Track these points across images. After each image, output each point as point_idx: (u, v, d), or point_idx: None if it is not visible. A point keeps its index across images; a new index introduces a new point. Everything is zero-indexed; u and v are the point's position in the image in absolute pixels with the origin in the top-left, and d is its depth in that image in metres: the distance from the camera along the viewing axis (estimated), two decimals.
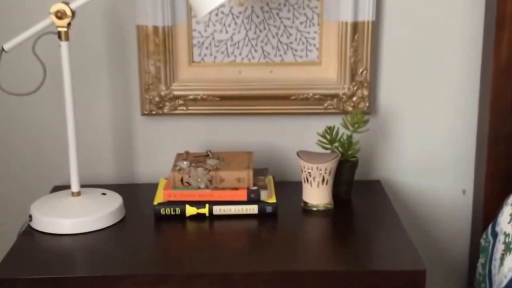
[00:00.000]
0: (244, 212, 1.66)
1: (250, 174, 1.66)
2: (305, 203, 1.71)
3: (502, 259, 1.59)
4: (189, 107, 1.83)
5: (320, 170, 1.66)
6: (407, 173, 1.91)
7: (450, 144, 1.89)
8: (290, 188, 1.79)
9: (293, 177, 1.81)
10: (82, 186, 1.68)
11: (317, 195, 1.69)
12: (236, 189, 1.66)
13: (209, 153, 1.73)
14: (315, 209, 1.69)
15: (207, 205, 1.65)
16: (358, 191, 1.79)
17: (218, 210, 1.66)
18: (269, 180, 1.76)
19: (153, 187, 1.75)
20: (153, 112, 1.84)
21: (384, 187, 1.86)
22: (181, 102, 1.83)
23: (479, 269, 1.72)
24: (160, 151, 1.88)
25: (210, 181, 1.65)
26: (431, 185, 1.92)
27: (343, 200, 1.75)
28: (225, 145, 1.85)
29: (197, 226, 1.65)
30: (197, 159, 1.72)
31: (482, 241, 1.72)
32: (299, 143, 1.81)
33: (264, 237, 1.62)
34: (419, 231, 1.92)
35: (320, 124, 1.77)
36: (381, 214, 1.72)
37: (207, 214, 1.66)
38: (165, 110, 1.84)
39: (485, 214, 1.79)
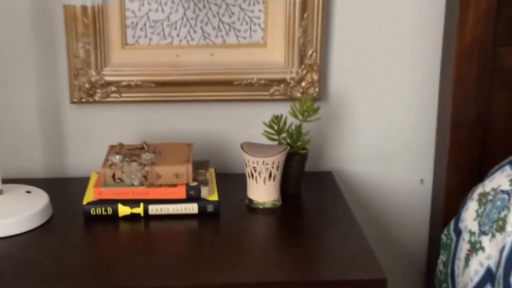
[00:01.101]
0: (183, 211, 1.51)
1: (189, 169, 1.50)
2: (250, 200, 1.56)
3: (467, 259, 1.46)
4: (123, 94, 1.68)
5: (267, 164, 1.51)
6: (361, 163, 1.78)
7: (407, 131, 1.76)
8: (234, 182, 1.65)
9: (238, 169, 1.66)
10: (7, 181, 1.53)
11: (263, 191, 1.54)
12: (174, 185, 1.51)
13: (144, 145, 1.57)
14: (261, 207, 1.55)
15: (141, 204, 1.50)
16: (308, 184, 1.65)
17: (154, 209, 1.51)
18: (211, 174, 1.61)
19: (85, 182, 1.60)
20: (83, 100, 1.68)
21: (336, 178, 1.72)
22: (113, 89, 1.67)
23: (440, 266, 1.60)
24: (92, 142, 1.73)
25: (145, 177, 1.50)
26: (387, 175, 1.79)
27: (292, 195, 1.61)
28: (163, 135, 1.70)
29: (131, 227, 1.50)
30: (131, 152, 1.56)
31: (443, 237, 1.59)
32: (243, 133, 1.66)
33: (205, 241, 1.47)
34: (374, 225, 1.80)
35: (266, 112, 1.62)
36: (333, 210, 1.58)
37: (142, 214, 1.50)
38: (96, 98, 1.68)
39: (446, 206, 1.67)
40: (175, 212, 1.51)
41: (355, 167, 1.78)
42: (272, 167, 1.51)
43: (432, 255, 1.72)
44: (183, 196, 1.51)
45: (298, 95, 1.68)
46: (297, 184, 1.62)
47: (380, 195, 1.80)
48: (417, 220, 1.81)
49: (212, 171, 1.64)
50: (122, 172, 1.50)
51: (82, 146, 1.74)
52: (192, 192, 1.51)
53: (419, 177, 1.79)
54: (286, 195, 1.59)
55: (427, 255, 1.81)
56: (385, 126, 1.76)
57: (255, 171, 1.52)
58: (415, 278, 1.86)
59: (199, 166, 1.59)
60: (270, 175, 1.52)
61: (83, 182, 1.62)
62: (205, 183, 1.52)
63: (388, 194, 1.80)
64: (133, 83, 1.67)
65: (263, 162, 1.51)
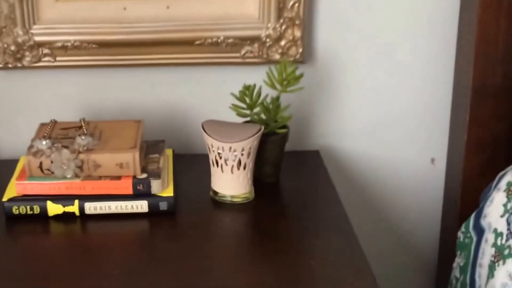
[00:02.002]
0: (130, 210, 1.20)
1: (136, 157, 1.18)
2: (215, 192, 1.24)
3: (492, 267, 1.16)
4: (58, 58, 1.36)
5: (235, 151, 1.18)
6: (355, 140, 1.46)
7: (414, 101, 1.43)
8: (197, 167, 1.34)
9: (202, 149, 1.32)
10: None
11: (231, 183, 1.22)
12: (118, 178, 1.19)
13: (83, 123, 1.25)
14: (228, 201, 1.22)
15: (76, 202, 1.19)
16: (289, 168, 1.33)
17: (92, 208, 1.19)
18: (167, 158, 1.29)
19: (14, 165, 1.29)
20: (10, 66, 1.36)
21: (325, 160, 1.40)
22: (46, 51, 1.36)
23: (456, 272, 1.29)
24: (21, 116, 1.42)
25: (81, 167, 1.18)
26: (388, 154, 1.47)
27: (269, 186, 1.29)
28: (107, 109, 1.38)
29: (63, 231, 1.20)
30: (65, 133, 1.23)
31: (460, 235, 1.28)
32: (206, 107, 1.36)
33: (156, 248, 1.16)
34: (373, 217, 1.48)
35: (236, 80, 1.30)
36: (321, 204, 1.27)
37: (77, 214, 1.19)
38: (25, 63, 1.36)
39: (463, 195, 1.37)
40: (119, 211, 1.20)
41: (348, 144, 1.46)
42: (242, 154, 1.19)
43: (445, 256, 1.42)
44: (129, 191, 1.19)
45: (277, 57, 1.35)
46: (275, 171, 1.30)
47: (380, 179, 1.48)
48: (427, 211, 1.50)
49: (169, 153, 1.32)
50: (52, 161, 1.18)
51: (9, 121, 1.42)
52: (140, 187, 1.19)
53: (429, 156, 1.47)
54: (261, 185, 1.27)
55: (438, 256, 1.49)
56: (386, 95, 1.43)
57: (220, 158, 1.20)
58: (423, 284, 1.54)
59: (152, 148, 1.28)
60: (239, 164, 1.20)
61: (12, 165, 1.30)
62: (157, 174, 1.20)
63: (390, 177, 1.48)
64: (69, 44, 1.34)
65: (230, 148, 1.18)
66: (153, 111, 1.38)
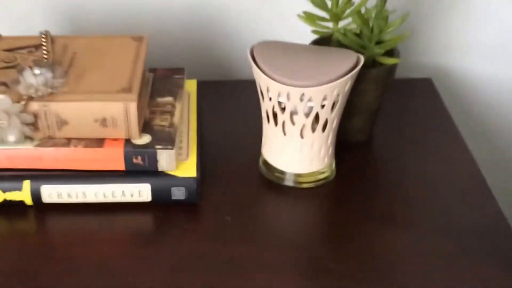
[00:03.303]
0: (118, 199, 0.68)
1: (131, 107, 0.65)
2: (268, 166, 0.71)
3: None
4: None
5: (310, 100, 0.64)
6: (483, 61, 0.90)
7: None
8: (236, 108, 0.80)
9: (245, 74, 0.79)
10: None
11: (299, 154, 0.69)
12: (99, 144, 0.67)
13: (43, 39, 0.72)
14: (290, 183, 0.69)
15: (27, 184, 0.67)
16: (386, 112, 0.79)
17: (54, 194, 0.68)
18: (186, 103, 0.76)
19: None
20: None
21: (442, 95, 0.86)
22: None
23: None
24: None
25: (34, 124, 0.65)
26: None
27: (356, 147, 0.75)
28: (90, 16, 0.83)
29: (6, 229, 0.67)
30: (10, 58, 0.71)
31: None
32: (257, 14, 0.79)
33: (165, 277, 0.63)
34: None
35: None
36: (450, 174, 0.73)
37: (28, 203, 0.67)
38: None
39: None
40: (100, 200, 0.68)
41: (473, 69, 0.91)
42: (322, 106, 0.65)
43: None
44: (119, 166, 0.68)
45: None
46: (369, 124, 0.76)
47: None
48: None
49: (191, 89, 0.79)
50: None
51: None
52: (138, 160, 0.67)
53: None
54: (343, 148, 0.73)
55: None
56: None
57: (283, 111, 0.66)
58: None
59: (163, 85, 0.75)
60: (316, 121, 0.66)
61: None
62: (169, 137, 0.67)
63: None
64: None
65: (303, 95, 0.64)
66: (165, 21, 0.84)
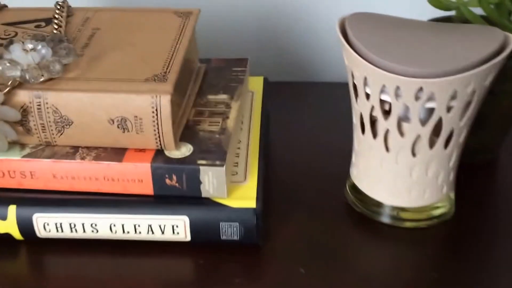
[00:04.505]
0: (143, 237, 0.47)
1: (165, 103, 0.44)
2: (360, 195, 0.50)
3: None
4: None
5: (431, 99, 0.42)
6: None
7: None
8: (317, 110, 0.59)
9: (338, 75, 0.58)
10: None
11: (406, 180, 0.46)
12: (117, 156, 0.45)
13: (57, 10, 0.52)
14: (390, 221, 0.47)
15: (11, 209, 0.47)
16: None
17: (51, 225, 0.47)
18: (249, 104, 0.54)
19: None
20: None
21: None
22: None
23: None
24: None
25: (23, 125, 0.46)
26: None
27: (482, 169, 0.53)
28: None
29: None
30: (13, 34, 0.52)
31: None
32: None
33: None
34: None
35: None
36: None
37: (16, 236, 0.49)
38: None
39: None
40: (118, 236, 0.48)
41: None
42: (449, 109, 0.43)
43: None
44: (147, 189, 0.45)
45: None
46: (498, 142, 0.54)
47: None
48: None
49: (257, 88, 0.58)
50: None
51: None
52: (172, 182, 0.45)
53: None
54: (460, 172, 0.51)
55: None
56: None
57: (387, 115, 0.44)
58: None
59: (216, 79, 0.54)
60: (436, 133, 0.44)
61: None
62: (219, 149, 0.46)
63: None
64: None
65: (421, 90, 0.42)
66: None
